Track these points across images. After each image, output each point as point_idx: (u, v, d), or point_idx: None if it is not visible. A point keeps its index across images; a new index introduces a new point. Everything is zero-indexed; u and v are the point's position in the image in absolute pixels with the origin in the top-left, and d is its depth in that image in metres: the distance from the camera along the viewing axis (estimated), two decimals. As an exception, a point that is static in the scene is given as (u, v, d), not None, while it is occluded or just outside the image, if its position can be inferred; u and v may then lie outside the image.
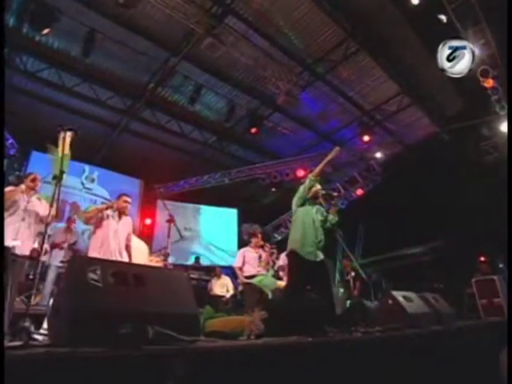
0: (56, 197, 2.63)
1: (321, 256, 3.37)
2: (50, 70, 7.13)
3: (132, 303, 1.78)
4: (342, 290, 6.89)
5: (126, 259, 3.72)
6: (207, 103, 8.34)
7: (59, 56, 6.93)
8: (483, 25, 5.08)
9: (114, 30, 6.41)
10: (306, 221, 3.43)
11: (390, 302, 3.80)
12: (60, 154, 3.06)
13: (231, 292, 7.40)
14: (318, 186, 3.62)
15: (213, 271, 8.16)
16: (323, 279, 3.29)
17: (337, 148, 3.65)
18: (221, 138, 9.46)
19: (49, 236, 5.57)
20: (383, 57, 6.92)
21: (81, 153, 9.21)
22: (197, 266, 8.82)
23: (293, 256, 3.37)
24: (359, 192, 9.78)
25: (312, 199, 3.59)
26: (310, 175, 3.61)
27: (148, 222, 10.03)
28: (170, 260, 9.09)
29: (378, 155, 9.01)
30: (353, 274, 6.64)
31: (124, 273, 1.87)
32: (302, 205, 3.55)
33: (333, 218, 3.55)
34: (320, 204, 3.70)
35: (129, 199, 4.03)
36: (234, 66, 7.32)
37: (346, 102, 8.43)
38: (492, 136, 8.15)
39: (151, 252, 7.99)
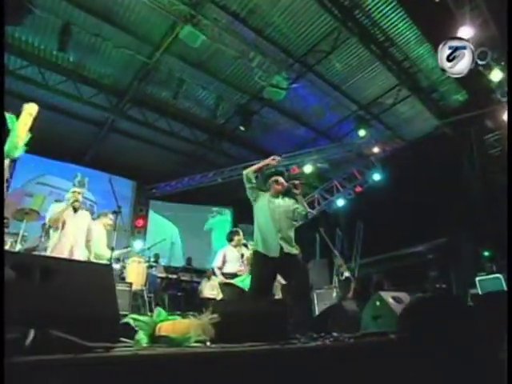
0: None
1: (291, 250, 3.05)
2: (32, 68, 6.92)
3: (31, 302, 1.47)
4: (337, 291, 6.53)
5: (81, 257, 3.40)
6: (196, 100, 8.07)
7: (40, 53, 6.74)
8: (480, 2, 4.71)
9: (90, 22, 6.16)
10: (263, 216, 3.18)
11: (378, 303, 3.45)
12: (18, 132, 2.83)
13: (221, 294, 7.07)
14: (281, 179, 3.34)
15: (204, 273, 7.85)
16: (295, 274, 2.96)
17: (273, 157, 3.40)
18: (212, 136, 9.17)
19: (23, 236, 5.34)
20: (375, 44, 6.56)
21: (70, 153, 9.17)
22: (189, 268, 8.52)
23: (254, 255, 3.13)
24: (358, 189, 9.40)
25: (273, 191, 3.32)
26: (244, 171, 3.34)
27: (140, 223, 9.78)
28: (163, 262, 8.82)
29: (376, 150, 8.62)
30: (347, 274, 6.28)
31: (27, 266, 1.57)
32: (257, 199, 3.28)
33: (302, 209, 3.24)
34: (284, 195, 3.39)
35: (78, 190, 3.78)
36: (220, 60, 7.04)
37: (341, 96, 8.08)
38: (495, 128, 7.72)
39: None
